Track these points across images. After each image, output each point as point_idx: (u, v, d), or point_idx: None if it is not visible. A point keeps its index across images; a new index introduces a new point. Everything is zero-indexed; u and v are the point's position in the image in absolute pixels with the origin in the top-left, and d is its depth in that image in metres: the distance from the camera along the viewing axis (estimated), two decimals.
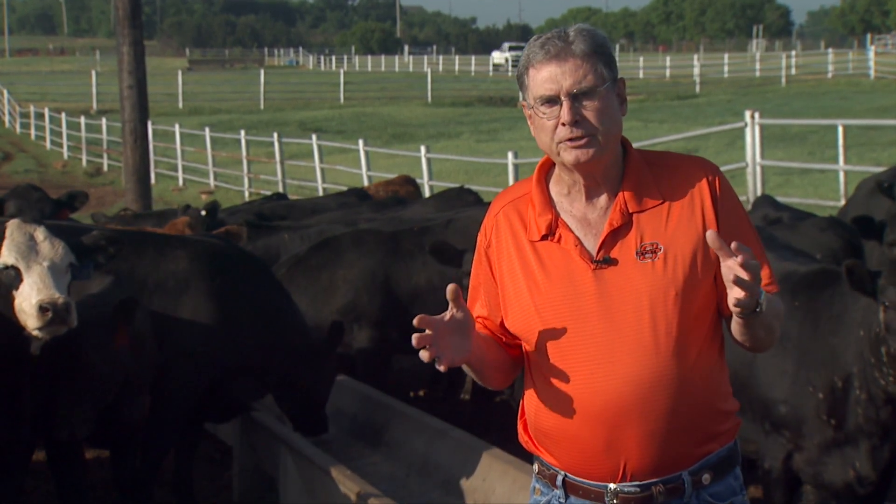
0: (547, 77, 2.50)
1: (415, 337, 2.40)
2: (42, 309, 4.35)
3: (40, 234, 4.58)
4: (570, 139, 2.50)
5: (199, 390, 5.67)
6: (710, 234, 2.36)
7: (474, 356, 2.55)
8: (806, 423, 4.44)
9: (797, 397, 4.45)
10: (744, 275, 2.31)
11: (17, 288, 4.46)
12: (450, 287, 2.47)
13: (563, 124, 2.49)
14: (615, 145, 2.58)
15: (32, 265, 4.48)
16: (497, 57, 70.83)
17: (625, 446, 2.52)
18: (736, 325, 2.52)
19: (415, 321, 2.42)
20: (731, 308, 2.40)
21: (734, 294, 2.36)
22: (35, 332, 4.43)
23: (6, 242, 4.52)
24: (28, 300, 4.40)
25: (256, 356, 5.77)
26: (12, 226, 4.59)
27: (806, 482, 4.55)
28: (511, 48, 75.01)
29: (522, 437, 2.74)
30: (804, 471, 4.50)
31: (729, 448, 2.62)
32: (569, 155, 2.52)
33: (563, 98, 2.49)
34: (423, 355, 2.41)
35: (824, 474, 4.43)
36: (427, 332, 2.42)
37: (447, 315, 2.47)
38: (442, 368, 2.44)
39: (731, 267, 2.35)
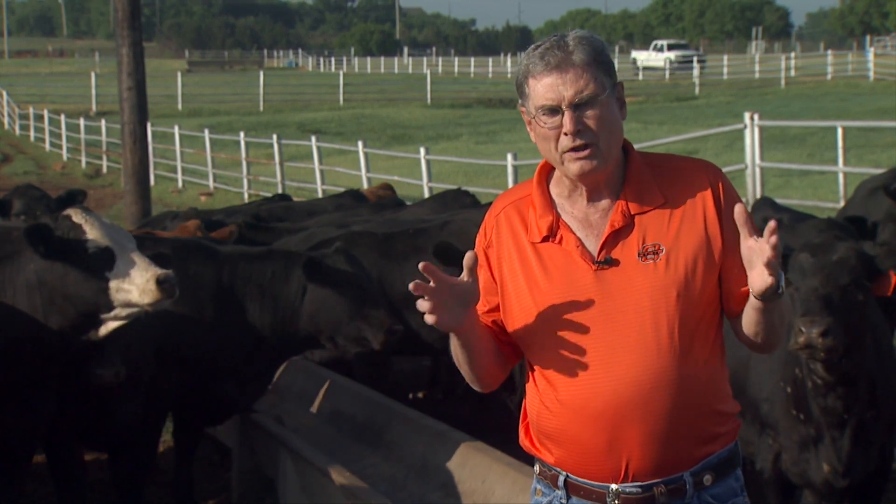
0: (548, 87, 2.51)
1: (413, 283, 2.44)
2: (161, 282, 4.48)
3: (107, 220, 4.70)
4: (574, 149, 2.50)
5: (168, 387, 5.63)
6: (738, 209, 2.41)
7: (467, 331, 2.56)
8: (782, 420, 4.47)
9: (774, 394, 4.49)
10: (767, 252, 2.34)
11: (110, 269, 4.53)
12: (469, 254, 2.50)
13: (566, 134, 2.50)
14: (617, 151, 2.58)
15: (126, 246, 4.58)
16: (652, 58, 59.16)
17: (626, 447, 2.52)
18: (753, 314, 2.51)
19: (420, 266, 2.46)
20: (754, 288, 2.41)
21: (755, 273, 2.38)
22: (146, 307, 4.54)
23: (88, 227, 4.59)
24: (142, 276, 4.49)
25: (226, 351, 5.69)
26: (80, 213, 4.67)
27: (797, 483, 4.55)
28: (671, 46, 61.96)
29: (524, 441, 2.73)
30: (791, 471, 4.51)
31: (730, 449, 2.63)
32: (573, 166, 2.52)
33: (564, 108, 2.50)
34: (420, 304, 2.46)
35: (808, 473, 4.44)
36: (431, 283, 2.45)
37: (457, 278, 2.50)
38: (429, 320, 2.46)
39: (751, 247, 2.38)
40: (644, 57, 60.62)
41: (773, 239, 2.34)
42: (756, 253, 2.38)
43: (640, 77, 54.73)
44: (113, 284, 4.52)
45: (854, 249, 4.14)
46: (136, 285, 4.49)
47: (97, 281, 4.53)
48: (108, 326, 4.63)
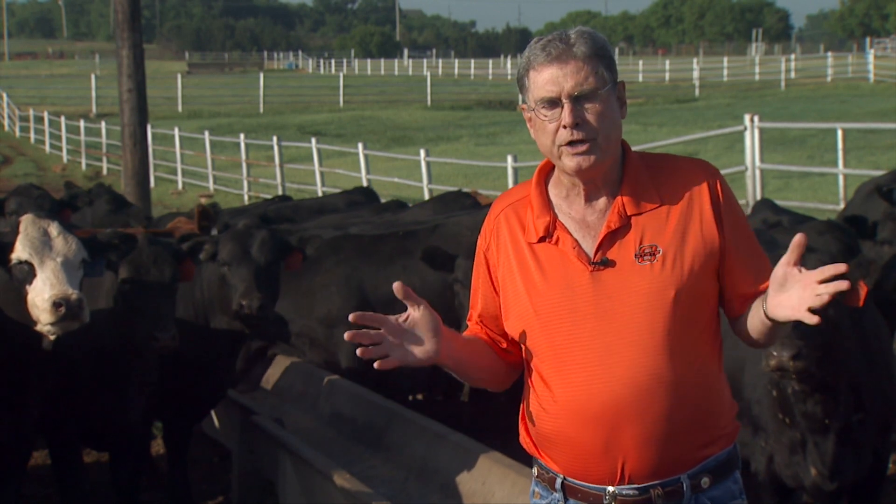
0: (548, 79, 2.50)
1: (351, 334, 2.44)
2: (56, 304, 4.38)
3: (54, 229, 4.63)
4: (571, 143, 2.50)
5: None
6: (798, 238, 2.36)
7: (446, 357, 2.56)
8: (771, 423, 4.47)
9: (763, 397, 4.49)
10: (817, 299, 2.30)
11: (30, 283, 4.49)
12: (396, 285, 2.50)
13: (565, 126, 2.49)
14: (615, 149, 2.57)
15: (46, 260, 4.51)
16: None
17: (622, 448, 2.51)
18: (759, 325, 2.50)
19: (351, 317, 2.45)
20: (777, 314, 2.39)
21: (786, 304, 2.35)
22: (47, 328, 4.46)
23: (20, 237, 4.56)
24: (41, 295, 4.43)
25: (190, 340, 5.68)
26: (26, 221, 4.64)
27: (791, 485, 4.55)
28: None
29: (524, 439, 2.73)
30: (784, 474, 4.51)
31: (728, 452, 2.62)
32: (570, 161, 2.51)
33: (564, 100, 2.49)
34: (359, 352, 2.46)
35: (799, 476, 4.43)
36: (372, 330, 2.46)
37: (403, 315, 2.51)
38: (376, 365, 2.47)
39: (793, 276, 2.35)
40: None
41: (830, 287, 2.29)
42: (800, 286, 2.34)
43: (640, 79, 54.67)
44: (28, 300, 4.49)
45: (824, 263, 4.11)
46: (37, 304, 4.45)
47: (19, 294, 4.51)
48: (48, 339, 4.55)
